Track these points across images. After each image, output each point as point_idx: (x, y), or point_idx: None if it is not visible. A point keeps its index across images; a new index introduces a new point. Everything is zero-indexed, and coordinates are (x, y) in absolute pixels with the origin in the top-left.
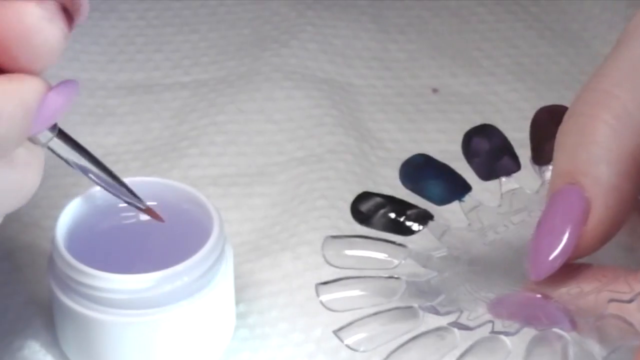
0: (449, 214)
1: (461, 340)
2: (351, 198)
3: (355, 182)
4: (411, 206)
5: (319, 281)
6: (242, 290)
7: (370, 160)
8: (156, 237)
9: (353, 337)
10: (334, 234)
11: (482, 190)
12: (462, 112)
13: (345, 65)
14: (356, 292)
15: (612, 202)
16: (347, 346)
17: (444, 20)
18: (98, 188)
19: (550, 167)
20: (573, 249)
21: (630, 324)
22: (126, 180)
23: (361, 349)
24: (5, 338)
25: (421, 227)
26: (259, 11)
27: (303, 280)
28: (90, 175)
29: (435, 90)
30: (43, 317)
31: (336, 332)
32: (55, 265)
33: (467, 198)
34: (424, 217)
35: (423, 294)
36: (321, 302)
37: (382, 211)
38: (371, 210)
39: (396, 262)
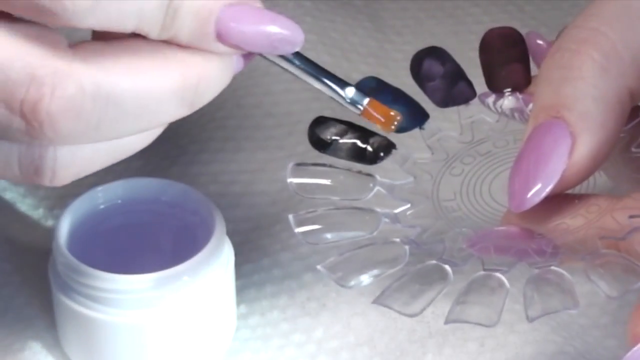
0: (408, 141)
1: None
2: None
3: None
4: (373, 134)
5: (292, 214)
6: (243, 290)
7: None
8: (156, 237)
9: (343, 275)
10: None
11: (437, 118)
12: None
13: (344, 58)
14: (334, 226)
15: (596, 138)
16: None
17: (440, 21)
18: (99, 188)
19: (505, 95)
20: (556, 182)
21: (632, 262)
22: (125, 181)
23: (350, 285)
24: (6, 339)
25: (385, 156)
26: None
27: (304, 281)
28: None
29: None
30: (44, 317)
31: (322, 267)
32: (56, 266)
33: (427, 126)
34: (388, 146)
35: (399, 228)
36: (298, 234)
37: (344, 138)
38: (332, 136)
39: (365, 193)
